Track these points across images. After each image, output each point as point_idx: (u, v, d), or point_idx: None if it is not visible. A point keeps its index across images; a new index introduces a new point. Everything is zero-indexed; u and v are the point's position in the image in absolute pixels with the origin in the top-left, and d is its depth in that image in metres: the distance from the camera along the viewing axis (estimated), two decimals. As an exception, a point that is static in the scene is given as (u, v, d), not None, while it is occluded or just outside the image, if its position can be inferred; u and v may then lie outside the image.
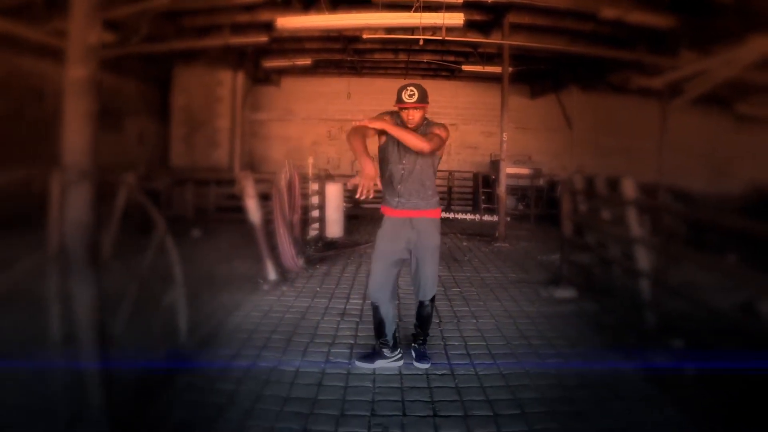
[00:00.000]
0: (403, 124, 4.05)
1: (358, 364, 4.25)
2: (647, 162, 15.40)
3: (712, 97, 14.10)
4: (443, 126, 4.14)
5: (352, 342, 4.83)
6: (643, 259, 5.26)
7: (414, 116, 4.03)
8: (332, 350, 4.59)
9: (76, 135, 2.44)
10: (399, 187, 4.12)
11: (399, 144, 4.05)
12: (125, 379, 3.14)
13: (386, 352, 4.26)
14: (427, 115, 4.19)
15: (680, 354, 4.53)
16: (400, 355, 4.30)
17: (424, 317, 4.39)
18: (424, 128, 4.11)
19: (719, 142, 17.11)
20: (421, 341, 4.43)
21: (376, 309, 4.22)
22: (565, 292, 6.57)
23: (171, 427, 3.18)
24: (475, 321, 5.56)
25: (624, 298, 5.74)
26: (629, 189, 5.38)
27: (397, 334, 4.37)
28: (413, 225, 4.13)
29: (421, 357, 4.30)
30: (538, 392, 3.84)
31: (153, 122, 16.52)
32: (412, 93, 3.96)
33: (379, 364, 4.22)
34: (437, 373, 4.15)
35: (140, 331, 3.56)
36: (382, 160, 4.21)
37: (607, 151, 18.77)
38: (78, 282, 2.47)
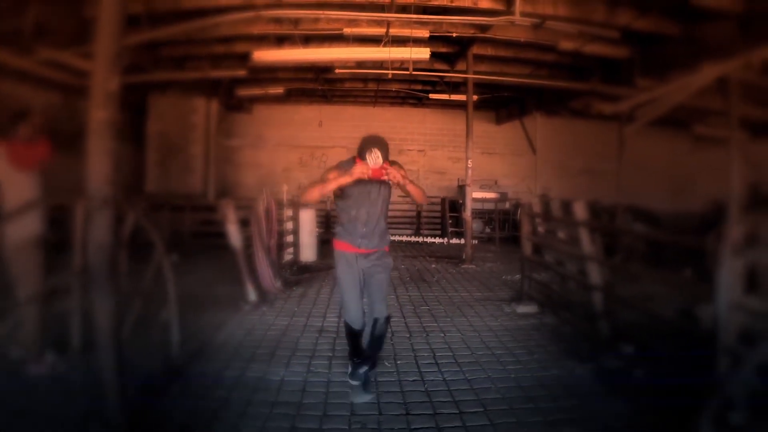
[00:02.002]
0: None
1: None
2: (611, 183, 16.08)
3: (670, 119, 14.82)
4: (399, 166, 4.24)
5: (330, 355, 5.23)
6: (595, 275, 5.77)
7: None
8: (313, 362, 4.99)
9: (98, 168, 2.86)
10: (363, 229, 4.27)
11: (367, 189, 4.22)
12: (127, 386, 3.51)
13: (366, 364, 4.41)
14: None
15: (630, 357, 5.02)
16: None
17: (376, 336, 4.41)
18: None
19: (680, 162, 17.85)
20: (368, 366, 4.42)
21: (356, 335, 4.37)
22: (526, 308, 7.06)
23: (173, 427, 3.55)
24: (442, 335, 5.99)
25: (580, 311, 6.23)
26: (580, 211, 5.90)
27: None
28: (366, 257, 4.31)
29: (367, 384, 4.35)
30: (499, 393, 4.31)
31: (128, 148, 16.66)
32: (377, 156, 4.02)
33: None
34: (408, 379, 4.60)
35: (138, 342, 3.94)
36: (345, 201, 4.33)
37: (572, 173, 19.49)
38: (99, 294, 2.87)
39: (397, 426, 3.71)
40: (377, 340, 4.44)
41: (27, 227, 4.18)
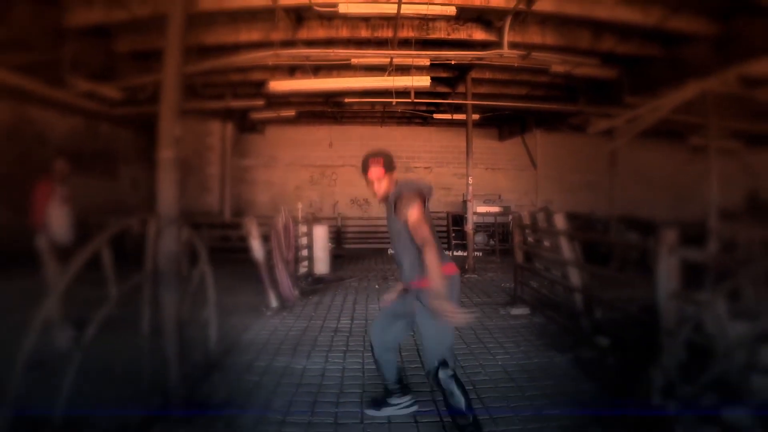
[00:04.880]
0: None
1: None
2: (613, 195, 16.76)
3: (668, 132, 15.56)
4: (401, 196, 3.71)
5: (344, 349, 6.06)
6: (575, 278, 6.59)
7: (379, 187, 3.86)
8: (330, 355, 5.83)
9: (166, 194, 3.74)
10: (397, 261, 4.02)
11: (390, 221, 3.91)
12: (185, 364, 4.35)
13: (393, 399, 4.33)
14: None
15: (604, 348, 5.81)
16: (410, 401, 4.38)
17: (443, 391, 3.82)
18: (393, 196, 3.81)
19: (680, 173, 18.56)
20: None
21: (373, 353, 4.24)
22: (519, 310, 7.86)
23: (219, 399, 4.39)
24: (443, 332, 6.81)
25: (564, 310, 7.03)
26: (560, 222, 6.74)
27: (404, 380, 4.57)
28: (411, 296, 3.87)
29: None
30: (487, 376, 5.15)
31: (146, 169, 17.43)
32: (377, 163, 3.80)
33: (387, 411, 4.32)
34: (411, 366, 5.42)
35: (183, 337, 4.79)
36: None
37: (573, 186, 20.29)
38: (167, 291, 3.74)
39: (400, 400, 4.54)
40: (445, 393, 3.81)
41: (72, 236, 6.57)
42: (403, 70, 10.73)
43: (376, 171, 3.77)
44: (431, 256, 3.44)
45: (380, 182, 3.80)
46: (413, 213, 3.58)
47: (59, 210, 6.53)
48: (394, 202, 3.77)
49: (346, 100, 13.58)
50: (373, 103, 16.15)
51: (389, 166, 3.81)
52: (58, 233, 6.46)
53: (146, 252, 3.76)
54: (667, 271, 4.29)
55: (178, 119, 3.82)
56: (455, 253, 16.22)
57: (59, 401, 3.26)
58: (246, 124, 18.85)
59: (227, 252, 13.12)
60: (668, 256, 4.27)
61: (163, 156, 3.76)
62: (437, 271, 3.41)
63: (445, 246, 18.03)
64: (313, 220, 11.72)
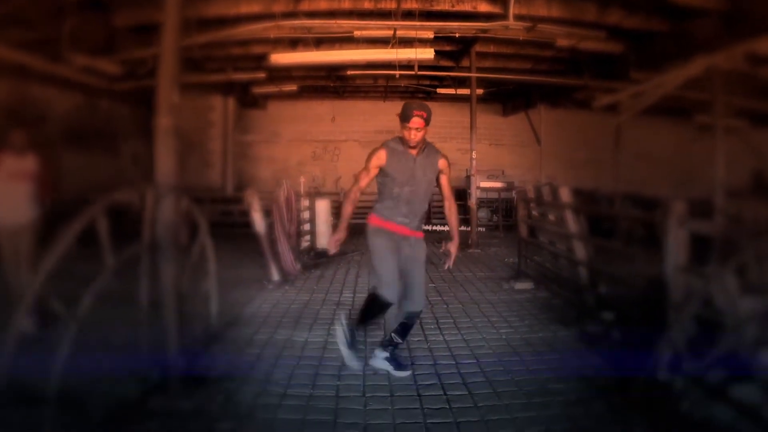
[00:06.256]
0: (404, 143, 4.28)
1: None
2: (617, 173, 16.63)
3: (673, 109, 15.42)
4: (445, 159, 4.47)
5: (347, 322, 6.01)
6: (580, 251, 6.52)
7: (417, 136, 4.18)
8: (332, 328, 5.74)
9: (165, 163, 3.67)
10: (405, 208, 4.35)
11: (408, 166, 4.28)
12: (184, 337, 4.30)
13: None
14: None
15: (609, 322, 5.76)
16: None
17: (408, 326, 4.57)
18: (426, 150, 4.36)
19: (687, 151, 18.41)
20: (392, 348, 4.61)
21: (386, 309, 4.39)
22: (523, 284, 7.80)
23: (219, 373, 4.35)
24: (445, 306, 6.78)
25: (569, 284, 6.97)
26: (565, 195, 6.66)
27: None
28: (410, 242, 4.44)
29: (399, 365, 4.54)
30: (491, 350, 5.11)
31: (147, 145, 17.30)
32: (420, 116, 4.11)
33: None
34: (414, 339, 5.36)
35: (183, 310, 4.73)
36: (387, 179, 4.35)
37: (577, 163, 20.11)
38: (165, 261, 3.67)
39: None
40: (407, 329, 4.58)
41: (22, 216, 5.80)
42: (407, 42, 10.58)
43: (420, 121, 4.14)
44: (457, 211, 4.72)
45: (418, 132, 4.19)
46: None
47: (7, 186, 5.84)
48: (430, 156, 4.39)
49: (349, 72, 13.42)
50: (375, 77, 16.02)
51: (429, 120, 4.21)
52: (3, 212, 5.81)
53: (144, 222, 3.69)
54: (676, 244, 4.21)
55: (176, 86, 3.72)
56: (459, 228, 16.10)
57: (54, 374, 3.19)
58: (248, 100, 18.73)
59: (229, 227, 13.07)
60: (677, 228, 4.19)
61: (161, 123, 3.67)
62: (458, 223, 4.76)
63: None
64: (315, 194, 11.66)
